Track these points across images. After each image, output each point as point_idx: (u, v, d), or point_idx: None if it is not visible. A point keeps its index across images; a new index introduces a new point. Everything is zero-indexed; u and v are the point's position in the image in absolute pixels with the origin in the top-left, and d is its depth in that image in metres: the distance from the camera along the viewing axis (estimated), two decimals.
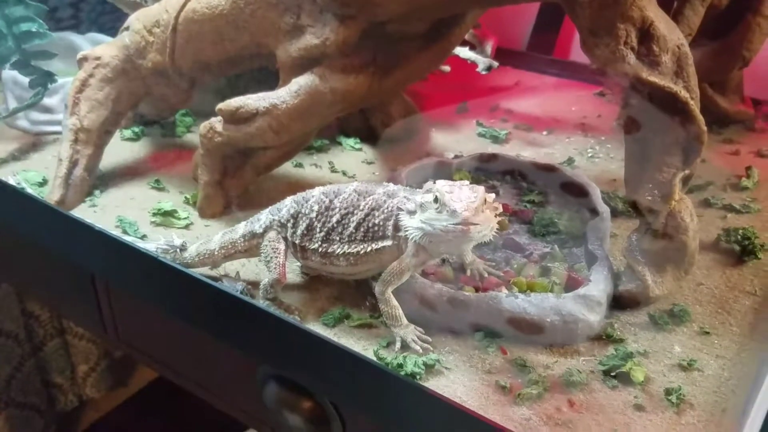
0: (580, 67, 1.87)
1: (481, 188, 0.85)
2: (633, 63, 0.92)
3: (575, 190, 1.24)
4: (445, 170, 1.33)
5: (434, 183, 0.87)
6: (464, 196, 0.83)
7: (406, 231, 0.88)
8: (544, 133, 1.60)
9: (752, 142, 1.53)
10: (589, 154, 1.49)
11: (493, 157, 1.36)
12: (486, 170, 1.35)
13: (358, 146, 1.51)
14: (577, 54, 1.98)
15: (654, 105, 0.94)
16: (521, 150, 1.51)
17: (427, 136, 1.58)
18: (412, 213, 0.88)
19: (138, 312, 1.29)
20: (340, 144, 1.51)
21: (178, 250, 1.06)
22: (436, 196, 0.83)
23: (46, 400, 2.23)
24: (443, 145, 1.54)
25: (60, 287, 1.43)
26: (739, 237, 1.13)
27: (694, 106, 0.93)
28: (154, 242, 1.08)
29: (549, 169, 1.30)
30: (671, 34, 0.94)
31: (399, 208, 0.91)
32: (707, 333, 0.95)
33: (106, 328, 1.34)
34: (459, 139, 1.57)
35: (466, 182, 0.87)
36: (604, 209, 1.15)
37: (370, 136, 1.53)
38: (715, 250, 1.14)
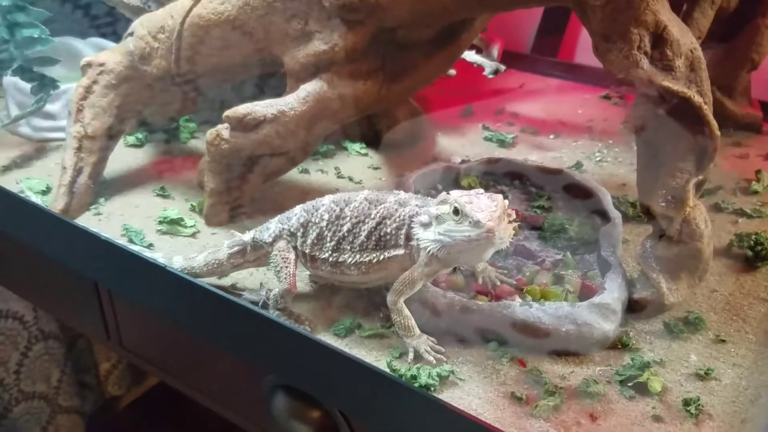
0: (586, 70, 1.86)
1: (498, 196, 0.84)
2: (647, 68, 0.91)
3: (585, 196, 1.23)
4: (453, 175, 1.32)
5: (448, 194, 0.86)
6: (484, 206, 0.81)
7: (423, 243, 0.87)
8: (551, 136, 1.59)
9: (761, 145, 1.52)
10: (597, 158, 1.48)
11: (500, 161, 1.34)
12: (494, 175, 1.33)
13: (363, 151, 1.49)
14: (582, 56, 1.97)
15: (667, 110, 0.93)
16: (528, 154, 1.50)
17: (432, 140, 1.57)
18: (426, 225, 0.87)
19: (141, 319, 1.28)
20: (345, 149, 1.50)
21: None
22: (456, 207, 0.82)
23: (81, 401, 2.22)
24: (449, 149, 1.53)
25: (63, 294, 1.42)
26: (751, 242, 1.12)
27: (708, 110, 0.92)
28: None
29: (558, 173, 1.28)
30: (684, 38, 0.93)
31: (411, 218, 0.90)
32: (723, 341, 0.94)
33: (110, 335, 1.33)
34: (465, 143, 1.56)
35: (481, 190, 0.86)
36: (615, 215, 1.14)
37: (375, 141, 1.51)
38: (727, 255, 1.13)
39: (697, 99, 0.91)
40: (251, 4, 1.11)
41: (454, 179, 1.32)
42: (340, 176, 1.40)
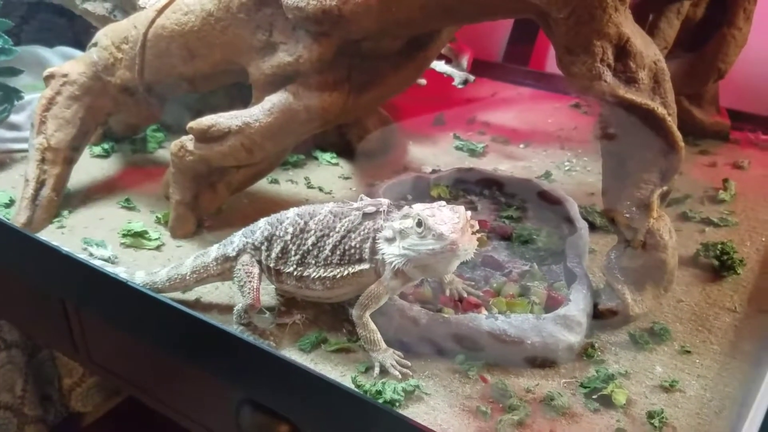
0: (556, 78, 1.87)
1: (461, 208, 0.84)
2: (610, 80, 0.91)
3: (553, 205, 1.23)
4: (423, 185, 1.31)
5: (410, 207, 0.85)
6: (447, 218, 0.81)
7: (388, 258, 0.86)
8: (521, 145, 1.60)
9: (728, 153, 1.54)
10: (566, 167, 1.48)
11: (470, 171, 1.34)
12: (464, 184, 1.33)
13: (334, 161, 1.48)
14: (553, 65, 1.98)
15: (631, 121, 0.93)
16: (498, 163, 1.50)
17: (404, 150, 1.57)
18: (390, 240, 0.86)
19: (110, 333, 1.26)
20: (316, 159, 1.49)
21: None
22: (419, 221, 0.82)
23: (44, 412, 2.18)
24: (420, 159, 1.53)
25: (29, 308, 1.40)
26: (717, 252, 1.12)
27: (672, 122, 0.92)
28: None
29: (527, 184, 1.29)
30: (647, 50, 0.93)
31: (376, 230, 0.89)
32: (688, 352, 0.94)
33: (78, 349, 1.31)
34: (436, 153, 1.56)
35: (443, 203, 0.85)
36: (582, 225, 1.14)
37: (346, 151, 1.51)
38: (694, 265, 1.14)
39: (661, 111, 0.91)
40: (215, 15, 1.10)
41: (424, 189, 1.31)
42: (310, 186, 1.39)
